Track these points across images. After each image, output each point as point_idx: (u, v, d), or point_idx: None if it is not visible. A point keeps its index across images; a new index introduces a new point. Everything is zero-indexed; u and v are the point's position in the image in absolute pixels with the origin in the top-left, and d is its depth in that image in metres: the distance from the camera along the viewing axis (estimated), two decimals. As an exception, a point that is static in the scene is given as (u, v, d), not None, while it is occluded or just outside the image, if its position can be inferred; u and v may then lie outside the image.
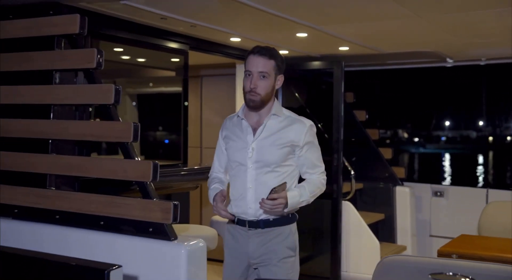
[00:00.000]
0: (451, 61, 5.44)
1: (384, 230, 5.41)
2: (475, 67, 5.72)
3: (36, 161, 2.96)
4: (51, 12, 3.01)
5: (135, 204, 2.66)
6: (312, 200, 2.62)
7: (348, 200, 4.95)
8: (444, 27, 3.81)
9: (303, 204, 2.60)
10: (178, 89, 4.57)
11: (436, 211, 5.54)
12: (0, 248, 2.52)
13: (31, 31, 3.02)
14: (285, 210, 2.52)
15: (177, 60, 4.39)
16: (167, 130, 5.07)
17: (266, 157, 2.53)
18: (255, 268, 2.64)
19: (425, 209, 5.59)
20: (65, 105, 3.05)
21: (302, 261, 5.21)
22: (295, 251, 2.64)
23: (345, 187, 4.99)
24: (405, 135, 29.96)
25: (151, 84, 5.23)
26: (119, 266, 2.13)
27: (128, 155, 2.74)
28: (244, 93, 2.58)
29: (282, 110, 2.63)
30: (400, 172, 5.61)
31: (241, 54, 4.66)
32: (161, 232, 2.63)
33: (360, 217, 4.89)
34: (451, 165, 25.38)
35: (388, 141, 26.74)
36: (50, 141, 2.97)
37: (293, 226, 2.65)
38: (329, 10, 3.31)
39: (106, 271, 2.06)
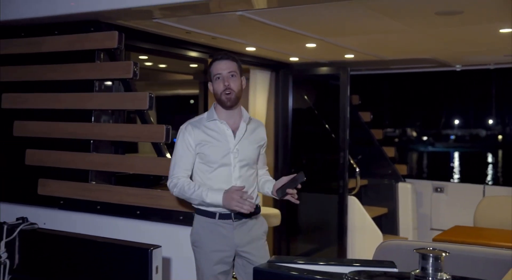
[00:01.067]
0: (458, 65, 5.69)
1: (387, 223, 5.72)
2: (484, 70, 5.88)
3: (79, 159, 3.38)
4: (92, 29, 3.42)
5: (168, 196, 3.06)
6: None
7: (354, 195, 5.25)
8: (438, 38, 4.15)
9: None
10: (195, 91, 4.98)
11: (436, 206, 5.85)
12: (56, 232, 2.94)
13: (74, 46, 3.44)
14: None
15: (196, 66, 4.80)
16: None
17: (249, 155, 2.78)
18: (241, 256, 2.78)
19: (426, 204, 5.91)
20: (105, 110, 3.45)
21: (311, 252, 5.64)
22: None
23: (351, 183, 5.31)
24: (414, 134, 30.07)
25: (161, 83, 5.58)
26: (159, 246, 2.55)
27: (161, 153, 3.16)
28: (218, 95, 2.74)
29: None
30: (402, 169, 5.94)
31: (255, 61, 5.07)
32: (191, 220, 3.03)
33: (364, 211, 5.19)
34: (460, 163, 25.51)
35: (396, 139, 26.93)
36: (91, 141, 3.38)
37: None
38: (334, 25, 3.69)
39: (149, 250, 2.50)
